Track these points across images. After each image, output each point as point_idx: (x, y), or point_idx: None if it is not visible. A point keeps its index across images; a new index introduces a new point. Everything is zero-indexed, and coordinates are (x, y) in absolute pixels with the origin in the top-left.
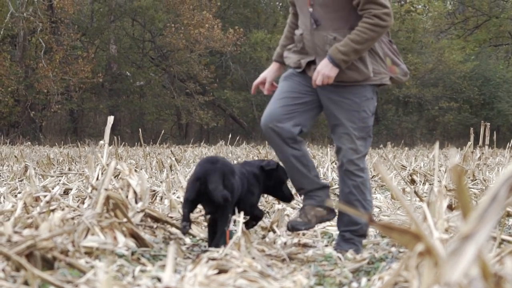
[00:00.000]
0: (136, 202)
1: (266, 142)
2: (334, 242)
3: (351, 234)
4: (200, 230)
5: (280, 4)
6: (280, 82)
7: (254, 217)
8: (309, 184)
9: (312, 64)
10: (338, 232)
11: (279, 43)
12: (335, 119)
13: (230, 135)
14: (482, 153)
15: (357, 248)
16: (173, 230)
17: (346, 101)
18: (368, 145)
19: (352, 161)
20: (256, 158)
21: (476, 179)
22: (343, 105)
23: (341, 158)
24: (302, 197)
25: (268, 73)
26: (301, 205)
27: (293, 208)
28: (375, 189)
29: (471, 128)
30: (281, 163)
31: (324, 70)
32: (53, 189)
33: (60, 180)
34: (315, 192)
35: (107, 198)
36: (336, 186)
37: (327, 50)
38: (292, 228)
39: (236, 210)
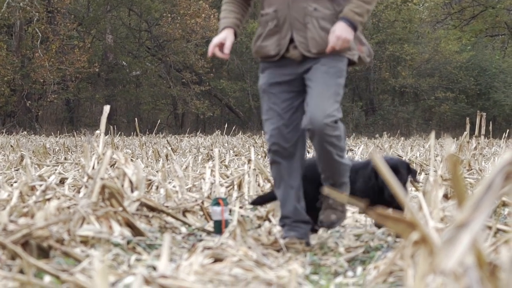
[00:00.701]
0: (132, 191)
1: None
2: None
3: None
4: (196, 220)
5: None
6: (267, 96)
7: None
8: (296, 215)
9: (290, 43)
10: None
11: (225, 15)
12: (313, 86)
13: (226, 125)
14: (478, 143)
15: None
16: (169, 219)
17: (326, 67)
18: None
19: (330, 126)
20: (252, 148)
21: (472, 169)
22: (327, 71)
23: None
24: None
25: (227, 37)
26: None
27: None
28: None
29: (467, 118)
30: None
31: (345, 34)
32: (49, 178)
33: (56, 170)
34: (300, 225)
35: (103, 187)
36: None
37: (307, 23)
38: (330, 227)
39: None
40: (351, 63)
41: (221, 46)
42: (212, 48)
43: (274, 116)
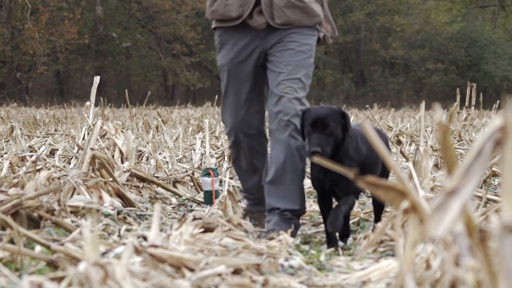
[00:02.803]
0: (122, 162)
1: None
2: (269, 222)
3: (292, 214)
4: (186, 190)
5: None
6: (228, 77)
7: None
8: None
9: (256, 6)
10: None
11: None
12: (281, 66)
13: (216, 96)
14: (468, 113)
15: (295, 231)
16: (159, 189)
17: (295, 44)
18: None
19: (298, 115)
20: None
21: (462, 140)
22: (298, 48)
23: (279, 109)
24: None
25: None
26: (245, 210)
27: None
28: None
29: (457, 89)
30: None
31: None
32: (39, 149)
33: (46, 141)
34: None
35: (93, 157)
36: None
37: None
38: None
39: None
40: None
41: None
42: None
43: (236, 105)
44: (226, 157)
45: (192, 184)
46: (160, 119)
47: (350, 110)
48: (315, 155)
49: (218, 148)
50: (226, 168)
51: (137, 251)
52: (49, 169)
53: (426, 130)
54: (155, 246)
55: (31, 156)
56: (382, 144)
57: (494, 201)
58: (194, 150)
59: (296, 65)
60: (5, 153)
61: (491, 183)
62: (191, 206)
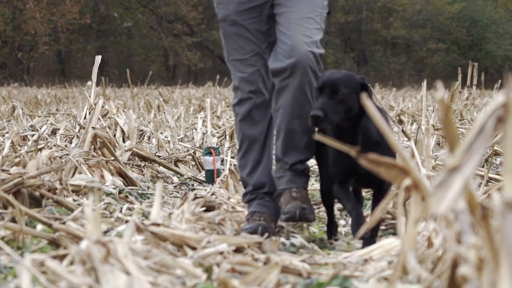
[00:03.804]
0: (124, 141)
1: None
2: (281, 179)
3: (303, 165)
4: (187, 169)
5: None
6: (237, 29)
7: None
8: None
9: None
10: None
11: None
12: (296, 5)
13: (218, 76)
14: (470, 93)
15: (308, 182)
16: (161, 169)
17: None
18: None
19: (315, 58)
20: None
21: (463, 119)
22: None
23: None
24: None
25: None
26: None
27: None
28: None
29: (459, 68)
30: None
31: None
32: (40, 128)
33: (47, 120)
34: (302, 167)
35: (95, 136)
36: None
37: None
38: (302, 214)
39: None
40: None
41: None
42: None
43: (250, 55)
44: (227, 137)
45: (193, 163)
46: (161, 99)
47: None
48: (316, 120)
49: (219, 128)
50: (228, 147)
51: (139, 230)
52: (50, 148)
53: (427, 110)
54: (157, 225)
55: (32, 135)
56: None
57: (496, 180)
58: (195, 129)
59: (310, 4)
60: (7, 133)
61: (493, 162)
62: (192, 185)
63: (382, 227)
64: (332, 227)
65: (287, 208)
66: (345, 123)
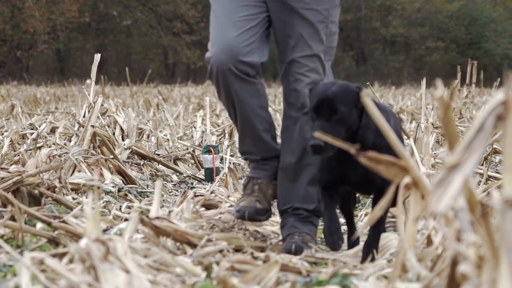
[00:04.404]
0: (123, 139)
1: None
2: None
3: (308, 212)
4: (187, 167)
5: None
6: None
7: None
8: (264, 151)
9: None
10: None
11: None
12: (295, 38)
13: None
14: (469, 91)
15: (315, 231)
16: (160, 167)
17: (308, 10)
18: (330, 74)
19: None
20: None
21: (463, 117)
22: (305, 15)
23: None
24: (249, 164)
25: None
26: (248, 177)
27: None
28: None
29: (458, 67)
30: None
31: None
32: (39, 127)
33: (46, 119)
34: (271, 162)
35: (94, 135)
36: None
37: None
38: (250, 219)
39: None
40: None
41: None
42: None
43: (227, 23)
44: (226, 135)
45: (192, 161)
46: (160, 97)
47: None
48: (316, 150)
49: (218, 126)
50: (227, 145)
51: (143, 223)
52: (50, 146)
53: (427, 108)
54: (160, 218)
55: (32, 133)
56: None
57: (495, 178)
58: (194, 127)
59: (311, 39)
60: (6, 131)
61: (492, 160)
62: (192, 183)
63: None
64: (348, 232)
65: (240, 204)
66: (346, 135)
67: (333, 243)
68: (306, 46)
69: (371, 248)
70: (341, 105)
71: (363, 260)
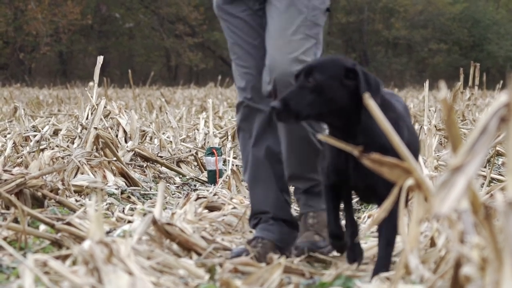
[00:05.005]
0: (126, 142)
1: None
2: (298, 202)
3: (318, 187)
4: (190, 169)
5: None
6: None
7: None
8: (277, 209)
9: None
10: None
11: None
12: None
13: (219, 77)
14: (472, 93)
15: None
16: (163, 169)
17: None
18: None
19: None
20: None
21: (465, 119)
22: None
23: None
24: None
25: None
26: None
27: None
28: None
29: (461, 69)
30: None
31: None
32: (42, 129)
33: (49, 121)
34: (280, 226)
35: (97, 137)
36: None
37: None
38: (311, 250)
39: None
40: None
41: None
42: None
43: (242, 53)
44: (229, 137)
45: (195, 163)
46: (163, 99)
47: None
48: (276, 114)
49: (221, 128)
50: (230, 147)
51: (155, 224)
52: (52, 149)
53: (429, 110)
54: (171, 225)
55: (34, 136)
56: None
57: (498, 180)
58: (197, 130)
59: (291, 10)
60: (9, 133)
61: (495, 163)
62: (194, 185)
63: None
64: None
65: (297, 241)
66: (336, 120)
67: (337, 246)
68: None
69: (382, 269)
70: (318, 73)
71: (373, 276)
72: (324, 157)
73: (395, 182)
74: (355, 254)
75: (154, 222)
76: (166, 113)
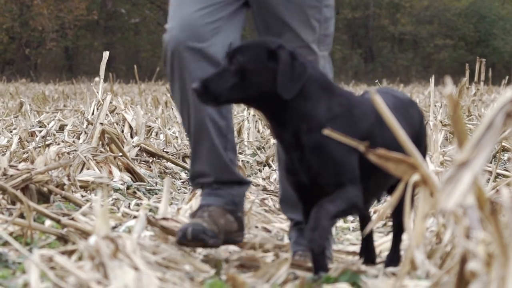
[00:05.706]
0: (132, 137)
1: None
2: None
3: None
4: None
5: None
6: None
7: None
8: (220, 171)
9: None
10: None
11: None
12: (279, 25)
13: None
14: (478, 89)
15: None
16: (169, 164)
17: None
18: (329, 66)
19: None
20: None
21: (471, 115)
22: None
23: None
24: (201, 191)
25: None
26: (201, 202)
27: None
28: None
29: (467, 64)
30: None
31: None
32: (48, 124)
33: (55, 116)
34: (227, 188)
35: (103, 132)
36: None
37: None
38: (194, 237)
39: None
40: None
41: None
42: None
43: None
44: (235, 132)
45: None
46: (169, 95)
47: (359, 86)
48: (196, 95)
49: None
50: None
51: (150, 223)
52: (58, 144)
53: (435, 105)
54: (167, 219)
55: (40, 131)
56: (395, 117)
57: (504, 175)
58: None
59: (303, 25)
60: (15, 129)
61: (501, 158)
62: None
63: (390, 223)
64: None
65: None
66: (265, 106)
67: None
68: (294, 36)
69: (393, 263)
70: (240, 55)
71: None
72: (280, 159)
73: (338, 177)
74: (369, 252)
75: (149, 221)
76: (172, 109)
